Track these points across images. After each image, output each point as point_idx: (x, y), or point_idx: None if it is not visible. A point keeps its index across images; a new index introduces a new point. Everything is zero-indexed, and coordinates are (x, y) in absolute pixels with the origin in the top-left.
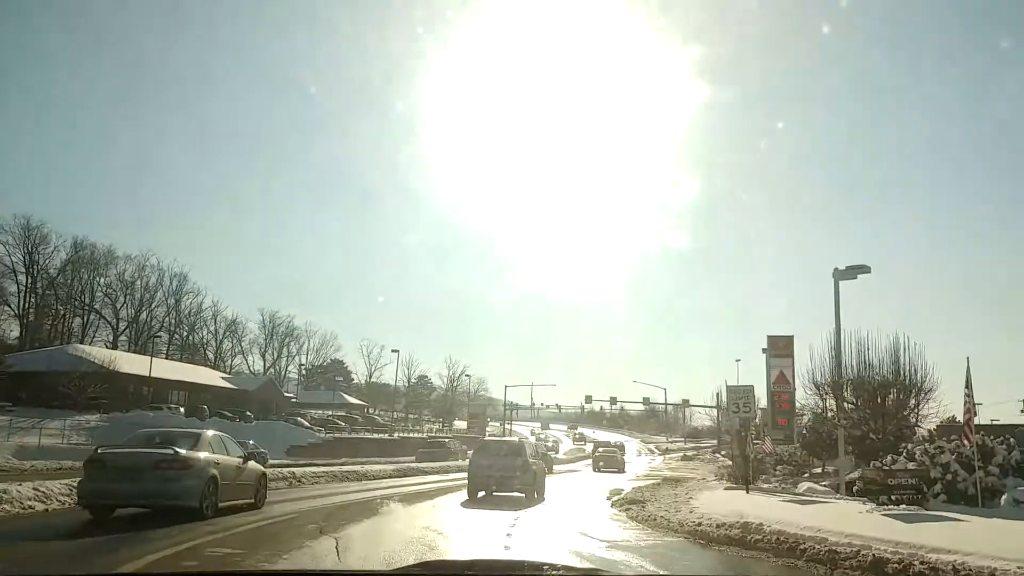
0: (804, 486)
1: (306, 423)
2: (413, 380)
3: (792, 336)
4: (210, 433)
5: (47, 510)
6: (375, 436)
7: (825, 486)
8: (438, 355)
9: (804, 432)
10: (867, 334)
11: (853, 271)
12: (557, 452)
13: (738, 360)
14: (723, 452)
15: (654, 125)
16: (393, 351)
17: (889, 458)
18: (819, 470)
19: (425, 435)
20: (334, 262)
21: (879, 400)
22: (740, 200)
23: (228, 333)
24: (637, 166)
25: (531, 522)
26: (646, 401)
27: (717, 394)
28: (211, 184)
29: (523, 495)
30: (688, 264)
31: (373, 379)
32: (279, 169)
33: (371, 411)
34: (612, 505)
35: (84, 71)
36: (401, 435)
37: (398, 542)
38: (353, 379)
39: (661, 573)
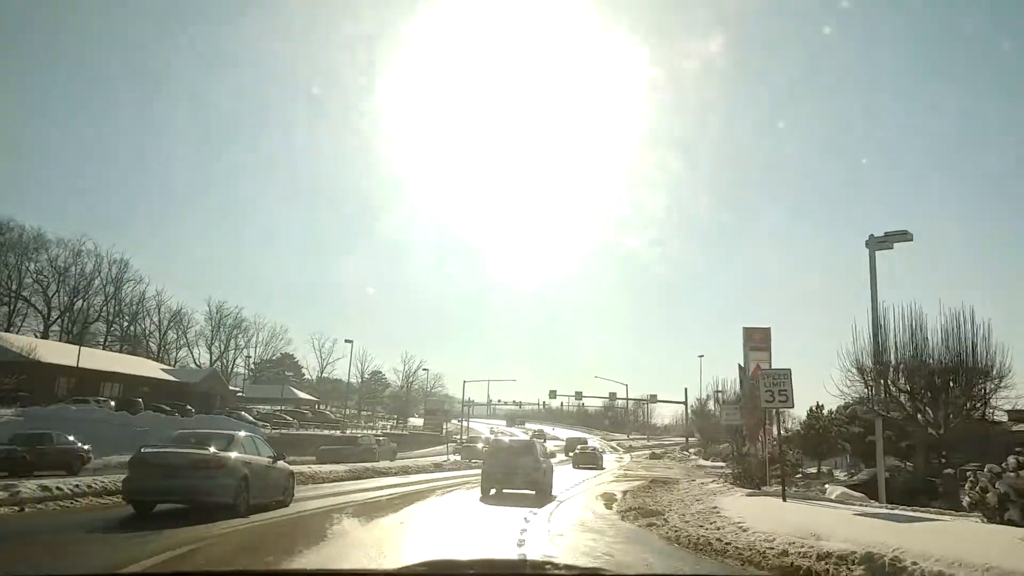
0: (836, 490)
1: (250, 418)
2: (367, 376)
3: (769, 328)
4: (242, 434)
5: None
6: (325, 432)
7: (854, 490)
8: (394, 352)
9: (799, 429)
10: (920, 308)
11: (892, 238)
12: None
13: (701, 356)
14: (694, 450)
15: (618, 116)
16: (347, 341)
17: (1012, 460)
18: (813, 470)
19: (379, 432)
20: (286, 254)
21: (937, 386)
22: (713, 190)
23: (173, 324)
24: (601, 159)
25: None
26: (612, 397)
27: (686, 389)
28: (157, 169)
29: (534, 492)
30: (655, 260)
31: (325, 374)
32: (227, 155)
33: (323, 407)
34: (623, 518)
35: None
36: (354, 432)
37: None
38: (304, 374)
39: (671, 574)
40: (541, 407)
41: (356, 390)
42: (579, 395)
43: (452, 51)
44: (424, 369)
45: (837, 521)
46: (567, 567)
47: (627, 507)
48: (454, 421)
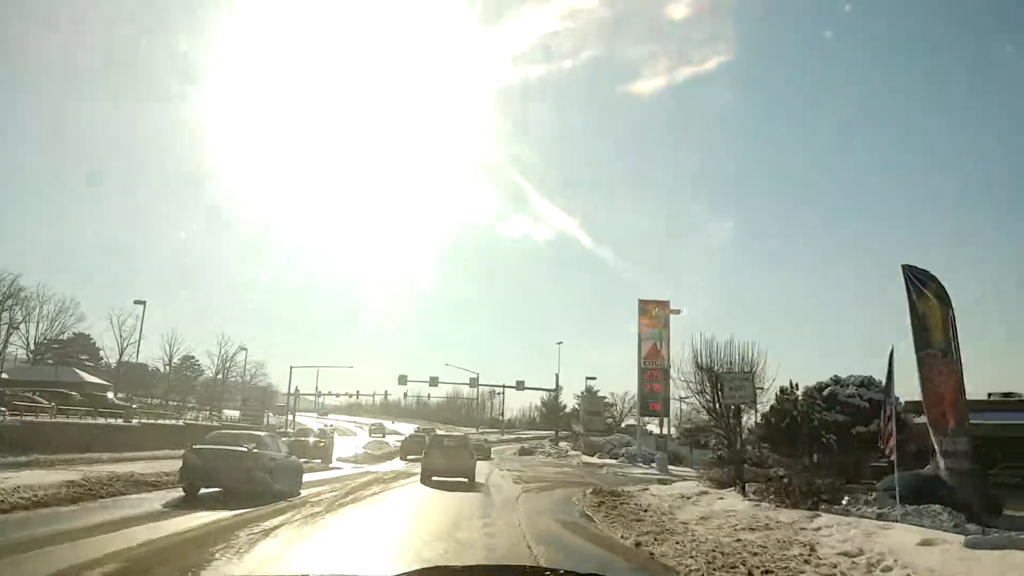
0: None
1: None
2: (176, 360)
3: (667, 301)
4: (263, 434)
5: None
6: (103, 422)
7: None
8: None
9: (770, 418)
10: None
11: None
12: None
13: (560, 343)
14: (565, 444)
15: (464, 102)
16: (137, 303)
17: None
18: (780, 470)
19: (183, 422)
20: (81, 220)
21: None
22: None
23: None
24: (447, 148)
25: None
26: (474, 381)
27: (557, 375)
28: None
29: (466, 479)
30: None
31: (126, 357)
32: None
33: (122, 396)
34: None
35: None
36: (148, 421)
37: None
38: (102, 357)
39: None
40: (384, 398)
41: (165, 376)
42: (434, 381)
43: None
44: (243, 348)
45: None
46: (567, 572)
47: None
48: (278, 415)
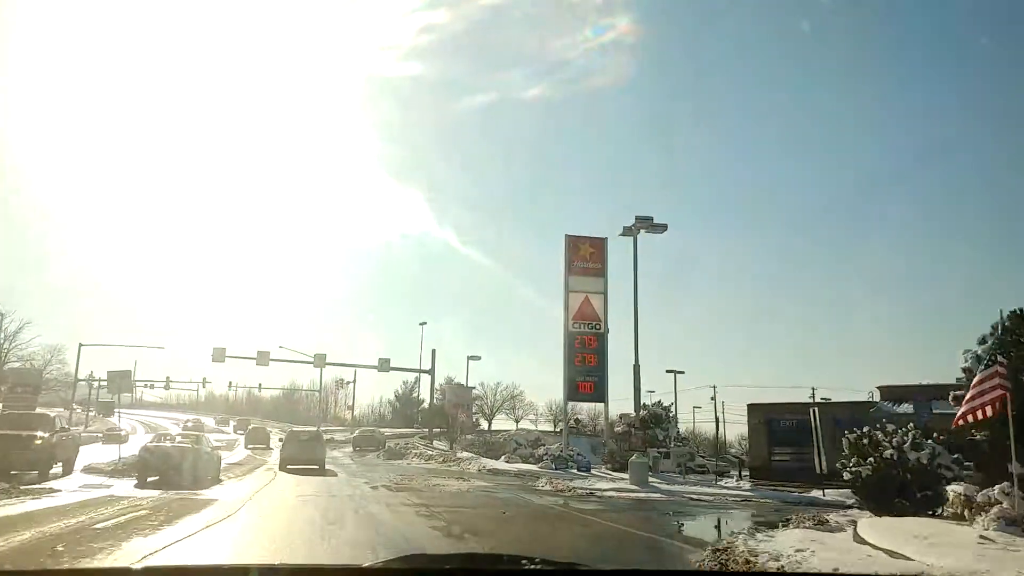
0: None
1: None
2: None
3: (604, 239)
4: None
5: None
6: None
7: None
8: None
9: None
10: None
11: None
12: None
13: (423, 323)
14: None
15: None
16: None
17: None
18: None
19: None
20: None
21: None
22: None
23: None
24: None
25: None
26: (320, 359)
27: (433, 351)
28: None
29: (317, 467)
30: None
31: None
32: None
33: None
34: None
35: None
36: None
37: None
38: None
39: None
40: (202, 386)
41: None
42: (263, 358)
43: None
44: (27, 323)
45: None
46: (544, 561)
47: None
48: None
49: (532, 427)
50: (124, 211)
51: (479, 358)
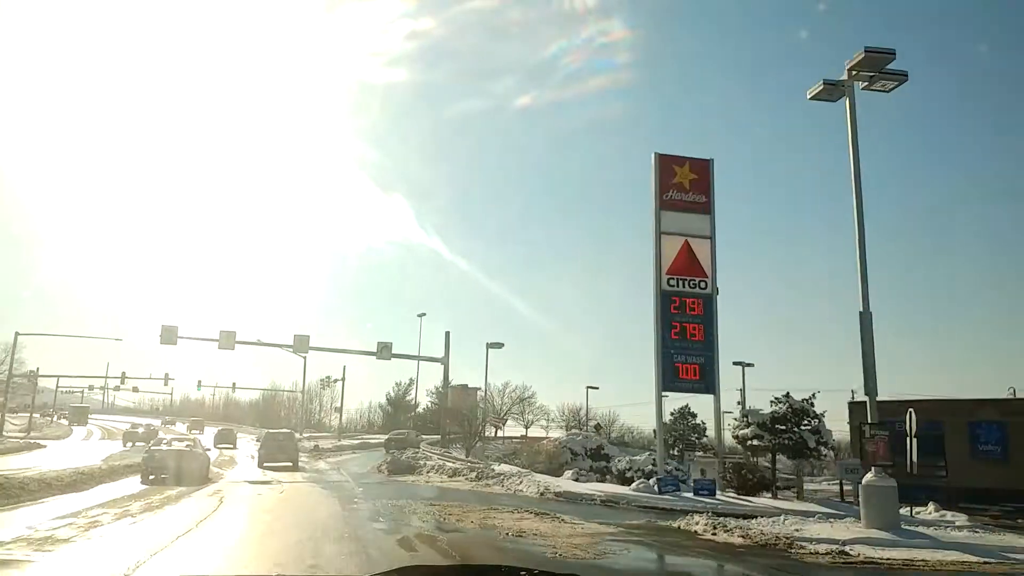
0: None
1: None
2: None
3: (710, 160)
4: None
5: None
6: None
7: None
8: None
9: None
10: None
11: None
12: None
13: (422, 314)
14: (457, 451)
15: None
16: None
17: None
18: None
19: None
20: None
21: None
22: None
23: None
24: None
25: None
26: (302, 342)
27: (447, 333)
28: None
29: (291, 464)
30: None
31: None
32: None
33: None
34: None
35: None
36: None
37: None
38: None
39: None
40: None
41: None
42: (228, 338)
43: None
44: None
45: None
46: (542, 572)
47: None
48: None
49: (543, 434)
50: (112, 218)
51: (501, 345)
